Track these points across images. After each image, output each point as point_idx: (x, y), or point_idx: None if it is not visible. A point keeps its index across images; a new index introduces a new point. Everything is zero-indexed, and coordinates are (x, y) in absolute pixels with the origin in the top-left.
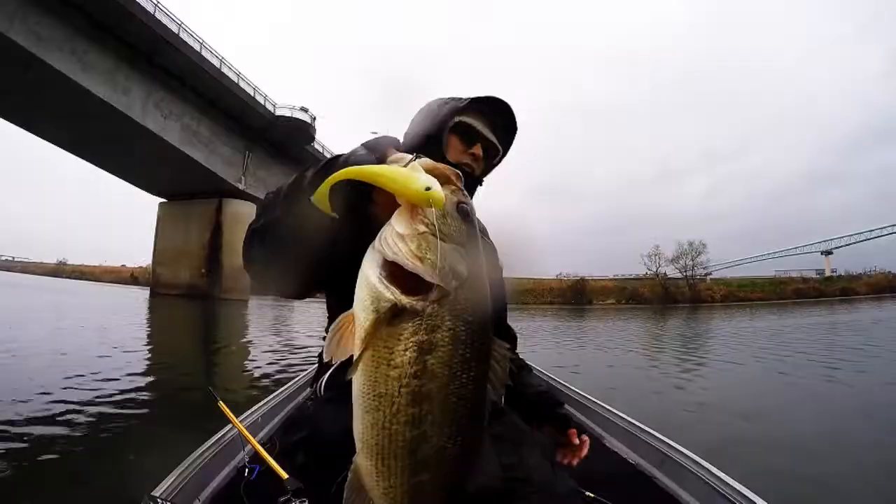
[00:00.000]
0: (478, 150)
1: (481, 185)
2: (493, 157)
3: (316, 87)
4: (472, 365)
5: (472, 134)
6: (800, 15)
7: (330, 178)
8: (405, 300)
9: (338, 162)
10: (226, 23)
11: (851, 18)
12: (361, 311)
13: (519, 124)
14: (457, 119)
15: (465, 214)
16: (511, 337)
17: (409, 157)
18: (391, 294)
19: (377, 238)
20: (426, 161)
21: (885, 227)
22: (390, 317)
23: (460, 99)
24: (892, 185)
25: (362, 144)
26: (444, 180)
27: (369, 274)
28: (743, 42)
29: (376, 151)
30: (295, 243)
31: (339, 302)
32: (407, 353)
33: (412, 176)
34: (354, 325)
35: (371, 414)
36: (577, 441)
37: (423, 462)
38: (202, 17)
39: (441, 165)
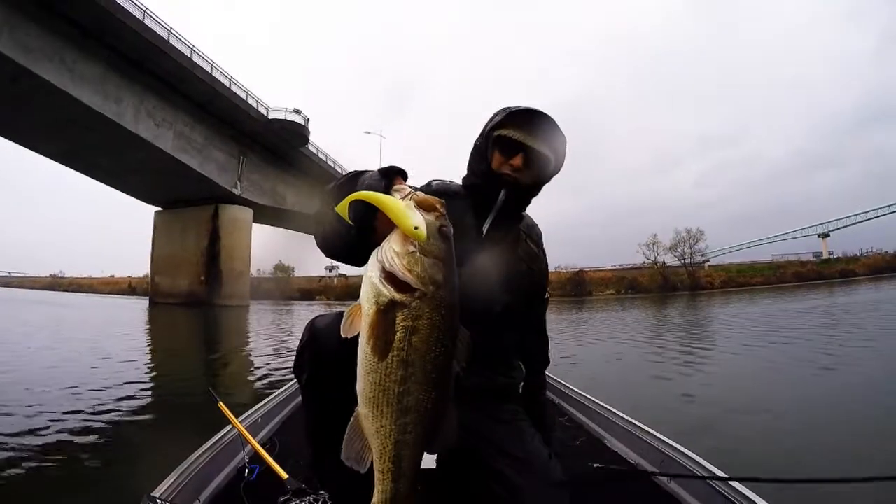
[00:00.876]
0: (517, 160)
1: (535, 194)
2: (543, 165)
3: (308, 87)
4: (443, 343)
5: (512, 146)
6: None
7: (348, 197)
8: (398, 296)
9: (359, 180)
10: (216, 27)
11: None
12: (366, 302)
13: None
14: (496, 133)
15: (444, 236)
16: (543, 346)
17: (409, 189)
18: (388, 291)
19: (379, 250)
20: (419, 195)
21: (880, 208)
22: (387, 308)
23: (505, 111)
24: (887, 165)
25: (378, 170)
26: (430, 209)
27: (372, 275)
28: (732, 21)
29: (387, 178)
30: (332, 235)
31: None
32: (398, 333)
33: (407, 213)
34: (361, 312)
35: (371, 375)
36: None
37: (407, 409)
38: (193, 22)
39: (430, 198)
